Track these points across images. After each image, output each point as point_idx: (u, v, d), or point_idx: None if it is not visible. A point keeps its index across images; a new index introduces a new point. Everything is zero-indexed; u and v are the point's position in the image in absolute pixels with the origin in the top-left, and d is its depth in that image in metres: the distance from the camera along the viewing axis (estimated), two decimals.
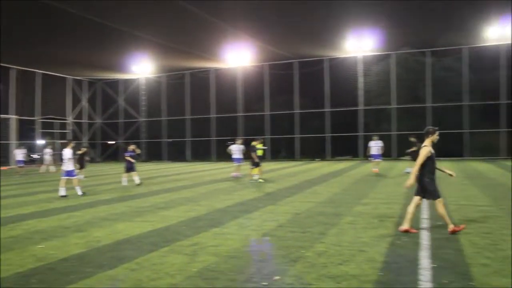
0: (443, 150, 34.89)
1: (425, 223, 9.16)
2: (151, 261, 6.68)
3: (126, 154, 19.62)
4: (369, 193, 14.63)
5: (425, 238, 7.82)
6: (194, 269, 6.22)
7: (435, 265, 6.16)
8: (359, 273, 5.91)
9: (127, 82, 47.95)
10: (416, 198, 8.43)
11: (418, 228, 8.56)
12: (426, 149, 8.25)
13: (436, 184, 8.32)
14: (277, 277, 5.78)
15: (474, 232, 8.17)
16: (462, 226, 8.21)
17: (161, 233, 8.80)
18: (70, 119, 45.80)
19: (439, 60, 36.77)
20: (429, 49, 36.34)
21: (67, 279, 5.91)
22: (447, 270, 5.97)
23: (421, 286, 5.35)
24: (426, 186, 8.28)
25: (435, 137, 8.43)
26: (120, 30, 28.13)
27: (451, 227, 8.11)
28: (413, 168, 8.31)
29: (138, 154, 20.78)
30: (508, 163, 29.20)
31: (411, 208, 8.41)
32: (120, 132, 48.72)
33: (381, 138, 23.58)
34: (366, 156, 23.31)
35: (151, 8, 24.79)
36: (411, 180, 8.30)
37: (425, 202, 11.88)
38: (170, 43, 32.57)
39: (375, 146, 22.54)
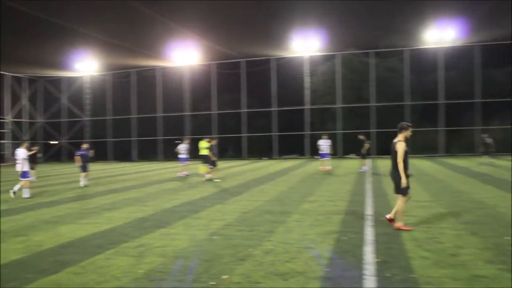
0: (386, 148, 36.08)
1: (369, 219, 9.43)
2: (97, 264, 6.54)
3: (77, 153, 18.81)
4: (315, 191, 14.88)
5: (369, 234, 8.06)
6: (140, 271, 6.14)
7: (378, 260, 6.37)
8: (306, 269, 6.02)
9: (70, 80, 46.53)
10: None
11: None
12: (402, 144, 8.40)
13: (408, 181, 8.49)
14: (225, 276, 5.80)
15: (414, 227, 8.49)
16: (410, 227, 8.41)
17: (107, 235, 8.62)
18: (8, 118, 43.96)
19: (382, 61, 37.92)
20: (373, 50, 37.41)
21: (6, 287, 5.69)
22: (390, 264, 6.19)
23: (365, 281, 5.52)
24: (398, 181, 8.46)
25: (409, 132, 8.62)
26: (63, 26, 27.25)
27: (399, 224, 8.39)
28: (399, 166, 8.33)
29: (88, 157, 19.54)
30: (446, 160, 30.53)
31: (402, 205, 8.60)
32: (63, 132, 47.24)
33: (329, 137, 23.99)
34: (318, 154, 23.62)
35: (95, 5, 24.17)
36: (404, 178, 8.32)
37: (369, 200, 12.28)
38: (115, 41, 31.90)
39: (324, 144, 22.85)
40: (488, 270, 5.80)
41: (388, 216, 8.74)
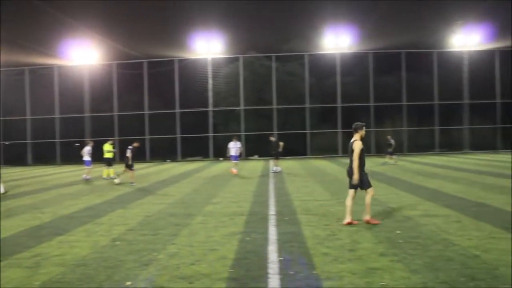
0: (288, 149, 37.31)
1: (272, 219, 9.67)
2: None
3: None
4: (219, 192, 14.98)
5: (272, 233, 8.27)
6: (36, 283, 5.82)
7: (282, 258, 6.56)
8: (211, 271, 6.05)
9: None
10: (351, 191, 8.98)
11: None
12: (359, 143, 8.80)
13: (367, 175, 8.94)
14: (128, 283, 5.67)
15: (315, 225, 8.87)
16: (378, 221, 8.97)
17: None
18: None
19: (283, 64, 39.05)
20: (274, 54, 38.38)
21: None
22: (293, 262, 6.41)
23: (270, 279, 5.65)
24: (361, 178, 8.84)
25: (363, 132, 9.01)
26: None
27: (367, 217, 8.89)
28: (354, 163, 8.76)
29: None
30: (345, 160, 32.06)
31: (348, 202, 8.94)
32: None
33: (239, 139, 24.14)
34: (227, 156, 23.68)
35: None
36: (356, 175, 8.81)
37: (272, 200, 12.59)
38: (6, 36, 29.85)
39: (234, 147, 22.90)
40: (382, 262, 6.22)
41: (346, 221, 8.91)
